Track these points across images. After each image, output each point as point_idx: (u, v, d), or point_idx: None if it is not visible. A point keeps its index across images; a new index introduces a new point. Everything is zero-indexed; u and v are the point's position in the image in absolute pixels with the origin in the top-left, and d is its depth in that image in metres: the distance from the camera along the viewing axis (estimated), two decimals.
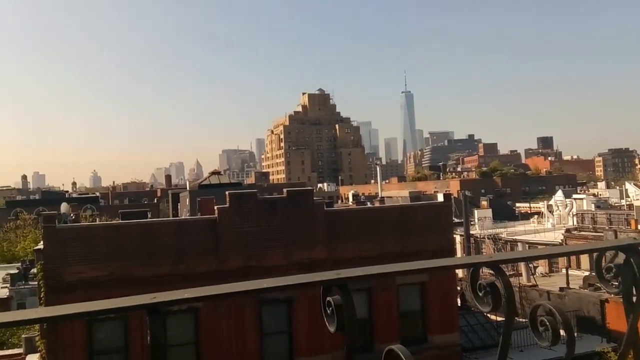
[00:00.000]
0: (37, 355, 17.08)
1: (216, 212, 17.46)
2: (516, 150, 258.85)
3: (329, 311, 1.58)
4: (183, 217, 34.37)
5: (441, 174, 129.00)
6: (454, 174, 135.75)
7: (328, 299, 1.59)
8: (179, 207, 54.07)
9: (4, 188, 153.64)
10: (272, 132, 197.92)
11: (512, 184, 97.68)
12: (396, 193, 73.05)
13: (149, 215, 25.74)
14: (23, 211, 70.69)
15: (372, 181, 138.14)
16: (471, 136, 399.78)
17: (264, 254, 16.88)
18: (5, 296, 35.67)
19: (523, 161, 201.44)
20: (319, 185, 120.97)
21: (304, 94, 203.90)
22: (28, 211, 69.77)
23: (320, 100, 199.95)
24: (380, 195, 57.70)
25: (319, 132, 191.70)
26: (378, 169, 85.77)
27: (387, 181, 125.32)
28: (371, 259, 17.05)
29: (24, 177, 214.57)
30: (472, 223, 42.96)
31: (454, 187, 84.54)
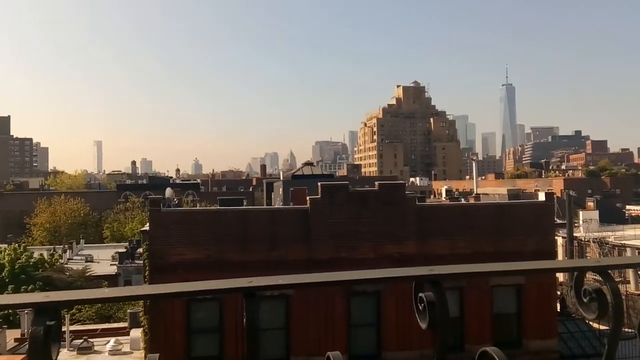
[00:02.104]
0: (140, 329, 18.32)
1: (308, 202, 17.75)
2: (628, 149, 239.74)
3: (420, 307, 1.56)
4: (276, 206, 35.30)
5: (543, 171, 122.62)
6: (557, 172, 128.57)
7: (420, 295, 1.57)
8: (272, 196, 55.63)
9: (116, 173, 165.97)
10: (365, 124, 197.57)
11: (622, 184, 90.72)
12: (493, 190, 70.41)
13: (245, 203, 26.64)
14: (132, 194, 75.80)
15: (467, 177, 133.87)
16: (578, 132, 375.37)
17: (354, 246, 16.95)
18: (114, 273, 38.63)
19: (636, 160, 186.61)
20: (411, 179, 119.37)
21: (398, 86, 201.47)
22: (136, 195, 74.70)
23: (415, 93, 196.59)
24: (475, 192, 55.87)
25: (413, 125, 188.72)
26: (474, 164, 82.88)
27: (483, 177, 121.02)
28: (464, 257, 16.59)
29: (133, 163, 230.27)
30: (576, 225, 40.47)
31: (557, 186, 79.93)
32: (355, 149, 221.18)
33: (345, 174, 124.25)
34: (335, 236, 16.99)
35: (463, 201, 37.78)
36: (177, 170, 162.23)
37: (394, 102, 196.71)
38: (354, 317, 17.08)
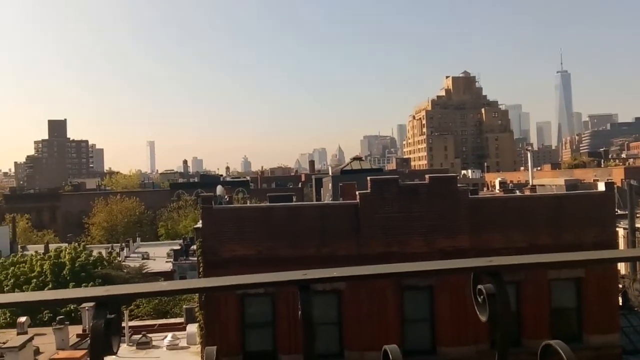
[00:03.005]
0: (196, 325, 18.77)
1: (358, 197, 17.70)
2: None
3: (479, 300, 1.51)
4: (326, 202, 35.38)
5: (602, 160, 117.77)
6: (617, 161, 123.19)
7: (479, 287, 1.52)
8: (321, 191, 55.77)
9: (168, 172, 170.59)
10: (414, 117, 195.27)
11: None
12: (549, 181, 68.20)
13: (294, 199, 26.82)
14: (184, 193, 77.75)
15: (522, 168, 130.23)
16: (638, 119, 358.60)
17: (405, 240, 16.79)
18: (169, 270, 39.74)
19: None
20: (463, 171, 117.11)
21: (447, 77, 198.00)
22: (188, 193, 76.57)
23: (465, 84, 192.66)
24: (531, 183, 54.27)
25: (463, 116, 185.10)
26: (529, 155, 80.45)
27: (538, 168, 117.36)
28: (519, 250, 16.15)
29: (185, 162, 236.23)
30: (638, 216, 38.69)
31: (617, 175, 76.55)
32: (404, 142, 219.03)
33: (394, 167, 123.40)
34: (385, 231, 16.88)
35: (518, 193, 36.79)
36: (227, 168, 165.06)
37: (443, 93, 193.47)
38: (407, 312, 16.93)
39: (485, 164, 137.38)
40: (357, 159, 67.55)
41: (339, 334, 16.65)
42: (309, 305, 1.47)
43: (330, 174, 66.27)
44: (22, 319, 23.05)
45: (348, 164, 67.55)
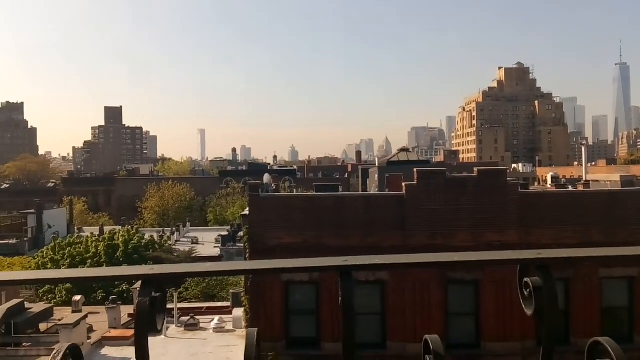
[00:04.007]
0: (242, 309, 19.12)
1: (404, 188, 17.55)
2: None
3: (526, 293, 1.46)
4: (372, 192, 35.25)
5: None
6: None
7: (525, 280, 1.47)
8: (368, 182, 55.66)
9: (218, 159, 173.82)
10: (464, 109, 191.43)
11: None
12: (604, 177, 65.63)
13: (340, 189, 26.93)
14: (232, 180, 78.91)
15: (575, 163, 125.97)
16: None
17: (451, 233, 16.54)
18: (217, 255, 40.55)
19: None
20: (513, 165, 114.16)
21: (500, 68, 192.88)
22: (236, 180, 77.68)
23: (518, 75, 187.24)
24: (584, 179, 52.43)
25: (516, 109, 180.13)
26: (583, 149, 77.64)
27: (593, 163, 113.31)
28: (571, 247, 15.61)
29: (234, 150, 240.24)
30: None
31: None
32: (453, 134, 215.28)
33: (442, 160, 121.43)
34: (431, 223, 16.68)
35: (570, 188, 35.59)
36: (275, 157, 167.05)
37: (495, 84, 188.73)
38: (452, 305, 16.72)
39: (537, 158, 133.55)
40: (404, 150, 66.95)
41: (382, 325, 16.63)
42: (349, 293, 1.46)
43: (376, 164, 66.00)
44: (77, 297, 24.09)
45: (395, 155, 67.09)
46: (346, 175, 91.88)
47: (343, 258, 1.56)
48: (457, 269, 15.97)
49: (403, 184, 18.01)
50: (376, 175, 49.17)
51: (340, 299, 1.45)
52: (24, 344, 20.45)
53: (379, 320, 16.60)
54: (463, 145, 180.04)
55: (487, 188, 16.98)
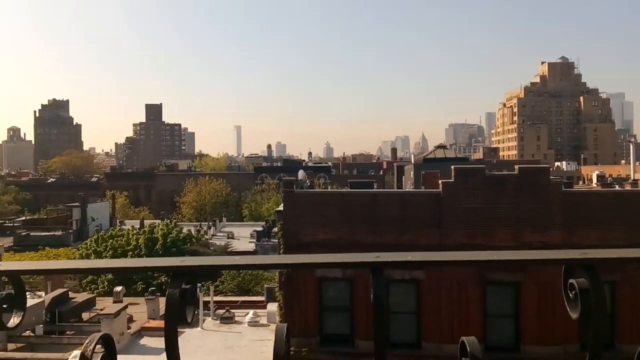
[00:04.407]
0: (276, 304, 19.24)
1: (440, 186, 17.29)
2: None
3: (571, 295, 1.38)
4: (407, 190, 34.95)
5: None
6: None
7: (571, 281, 1.39)
8: (403, 179, 55.23)
9: (253, 155, 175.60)
10: (504, 105, 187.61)
11: None
12: None
13: (375, 186, 26.71)
14: (267, 176, 79.72)
15: (623, 161, 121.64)
16: None
17: (490, 233, 16.20)
18: (252, 250, 40.99)
19: None
20: (557, 163, 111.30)
21: (543, 63, 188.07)
22: (271, 176, 78.42)
23: (562, 70, 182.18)
24: (632, 178, 50.68)
25: (559, 105, 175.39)
26: (631, 147, 74.86)
27: None
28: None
29: (269, 147, 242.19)
30: None
31: None
32: (493, 131, 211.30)
33: (481, 157, 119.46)
34: (469, 222, 16.37)
35: (617, 188, 34.43)
36: (310, 154, 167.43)
37: (537, 80, 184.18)
38: (490, 306, 16.38)
39: (582, 156, 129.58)
40: (441, 147, 66.10)
41: (417, 325, 16.45)
42: (381, 290, 1.41)
43: (412, 162, 65.42)
44: (118, 288, 24.74)
45: (431, 152, 66.34)
46: (381, 173, 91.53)
47: (375, 254, 1.51)
48: (497, 270, 15.65)
49: (440, 181, 17.74)
50: (412, 173, 48.73)
51: (371, 296, 1.41)
52: (67, 332, 21.14)
53: (413, 320, 16.43)
54: (503, 142, 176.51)
55: (529, 186, 16.55)
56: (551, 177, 17.81)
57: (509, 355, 15.94)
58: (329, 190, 35.71)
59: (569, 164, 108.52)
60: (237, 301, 25.20)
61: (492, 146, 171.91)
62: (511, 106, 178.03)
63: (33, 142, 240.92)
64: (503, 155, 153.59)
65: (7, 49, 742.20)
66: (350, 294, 16.51)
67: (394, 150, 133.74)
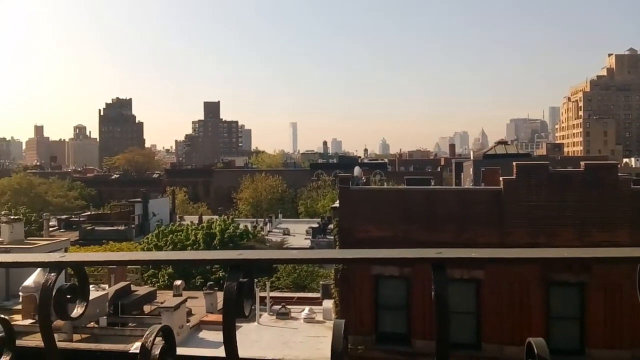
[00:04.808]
0: (332, 301, 19.28)
1: (501, 183, 16.80)
2: None
3: None
4: (466, 187, 34.20)
5: None
6: None
7: None
8: (462, 176, 54.10)
9: (309, 152, 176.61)
10: (569, 99, 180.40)
11: None
12: None
13: (432, 183, 26.28)
14: (323, 173, 79.93)
15: None
16: None
17: (554, 232, 15.59)
18: (307, 246, 41.25)
19: None
20: (625, 159, 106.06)
21: (610, 55, 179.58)
22: (327, 173, 78.57)
23: (631, 62, 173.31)
24: None
25: (628, 99, 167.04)
26: None
27: None
28: None
29: (325, 143, 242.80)
30: None
31: None
32: (557, 126, 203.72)
33: (544, 153, 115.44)
34: (532, 220, 15.83)
35: None
36: (365, 150, 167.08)
37: (604, 72, 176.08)
38: (553, 308, 15.78)
39: None
40: (501, 143, 64.33)
41: (476, 325, 16.06)
42: (443, 287, 1.36)
43: (471, 158, 63.92)
44: (178, 282, 25.45)
45: (492, 148, 64.64)
46: (439, 169, 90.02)
47: (436, 250, 1.46)
48: (561, 270, 15.06)
49: (500, 178, 17.24)
50: (471, 169, 47.68)
51: (432, 294, 1.36)
52: (129, 324, 21.94)
53: (473, 320, 16.05)
54: (568, 137, 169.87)
55: (595, 184, 15.83)
56: (619, 174, 16.98)
57: (574, 358, 15.31)
58: (385, 187, 35.43)
59: (638, 160, 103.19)
60: (293, 297, 25.41)
61: (556, 142, 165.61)
62: (576, 100, 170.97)
63: (98, 140, 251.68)
64: (568, 152, 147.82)
65: (73, 50, 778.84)
66: (407, 292, 16.31)
67: (452, 147, 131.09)
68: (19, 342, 1.47)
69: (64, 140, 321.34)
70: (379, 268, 15.76)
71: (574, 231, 15.52)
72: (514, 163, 17.14)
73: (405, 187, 21.23)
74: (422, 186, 21.45)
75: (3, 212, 47.21)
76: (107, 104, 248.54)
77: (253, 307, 1.45)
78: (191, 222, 43.63)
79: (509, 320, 15.64)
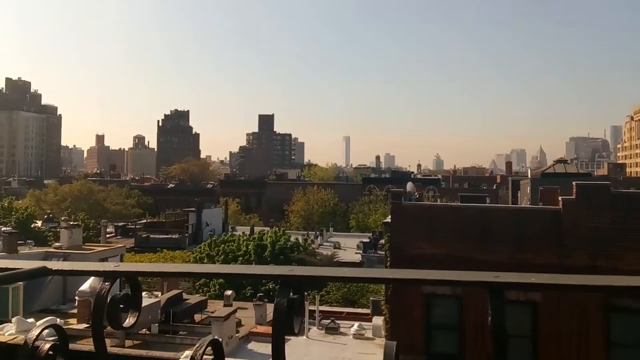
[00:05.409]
0: (382, 318, 19.03)
1: (560, 203, 16.21)
2: None
3: None
4: (523, 206, 33.21)
5: None
6: None
7: None
8: (518, 194, 52.62)
9: (361, 166, 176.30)
10: (632, 118, 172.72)
11: None
12: None
13: (488, 201, 25.63)
14: (375, 188, 79.55)
15: None
16: None
17: (617, 254, 14.86)
18: (358, 261, 40.99)
19: None
20: None
21: None
22: (379, 188, 78.16)
23: None
24: None
25: None
26: None
27: None
28: None
29: (377, 158, 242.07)
30: None
31: None
32: (619, 146, 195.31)
33: (606, 173, 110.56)
34: (592, 242, 15.15)
35: None
36: (419, 166, 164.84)
37: None
38: (614, 334, 14.98)
39: None
40: (561, 161, 62.32)
41: (532, 350, 15.44)
42: (500, 312, 1.30)
43: (529, 176, 62.09)
44: (228, 292, 25.81)
45: (550, 167, 62.67)
46: (494, 187, 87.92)
47: (494, 273, 1.40)
48: (624, 295, 14.31)
49: (559, 198, 16.63)
50: (528, 188, 46.35)
51: (489, 318, 1.30)
52: (180, 332, 22.34)
53: (528, 345, 15.43)
54: (631, 157, 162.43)
55: None
56: None
57: None
58: (439, 203, 34.86)
59: None
60: (343, 312, 25.25)
61: (618, 162, 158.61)
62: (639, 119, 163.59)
63: (156, 150, 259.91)
64: (630, 172, 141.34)
65: (137, 62, 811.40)
66: (460, 312, 15.88)
67: (508, 164, 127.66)
68: (72, 346, 1.51)
69: (124, 149, 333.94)
70: (430, 287, 15.44)
71: (636, 255, 14.75)
72: (574, 183, 16.51)
73: (460, 204, 20.78)
74: (477, 204, 20.93)
75: (63, 218, 49.47)
76: (165, 115, 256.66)
77: (302, 322, 1.44)
78: (243, 232, 44.28)
79: (567, 345, 14.97)
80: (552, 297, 14.68)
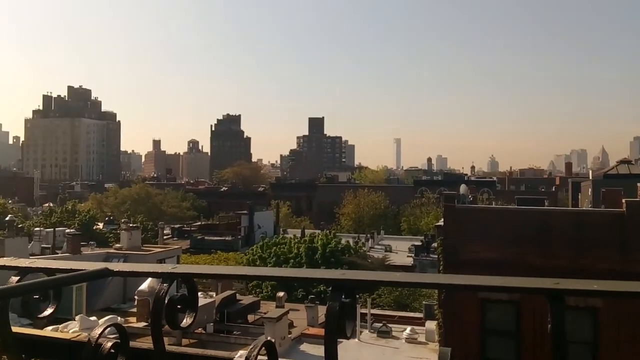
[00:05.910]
0: (435, 322, 18.76)
1: (624, 205, 15.50)
2: None
3: None
4: (584, 208, 31.98)
5: None
6: None
7: None
8: (579, 197, 50.69)
9: (413, 169, 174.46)
10: None
11: None
12: None
13: (546, 203, 24.79)
14: (427, 190, 78.47)
15: None
16: None
17: None
18: (410, 264, 40.54)
19: None
20: None
21: None
22: (431, 190, 77.07)
23: None
24: None
25: None
26: None
27: None
28: None
29: (429, 160, 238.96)
30: None
31: None
32: None
33: None
34: None
35: None
36: (472, 168, 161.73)
37: None
38: None
39: None
40: (624, 162, 59.57)
41: (593, 357, 14.83)
42: (560, 320, 1.27)
43: (590, 178, 59.65)
44: (281, 294, 26.08)
45: (613, 168, 60.02)
46: (553, 189, 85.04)
47: (554, 280, 1.36)
48: None
49: (623, 200, 15.91)
50: (590, 190, 44.59)
51: (549, 326, 1.26)
52: (234, 332, 22.77)
53: (588, 352, 14.84)
54: None
55: None
56: None
57: None
58: (494, 206, 34.03)
59: None
60: (395, 316, 25.04)
61: None
62: None
63: (209, 154, 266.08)
64: None
65: (190, 68, 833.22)
66: (517, 318, 15.44)
67: (568, 165, 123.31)
68: (132, 344, 1.58)
69: (179, 153, 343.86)
70: (486, 292, 15.09)
71: None
72: (639, 184, 15.77)
73: (516, 207, 20.21)
74: (535, 207, 20.30)
75: (123, 220, 51.38)
76: (218, 119, 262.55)
77: (354, 326, 1.44)
78: (294, 235, 44.64)
79: (629, 353, 14.29)
80: (614, 303, 14.06)
